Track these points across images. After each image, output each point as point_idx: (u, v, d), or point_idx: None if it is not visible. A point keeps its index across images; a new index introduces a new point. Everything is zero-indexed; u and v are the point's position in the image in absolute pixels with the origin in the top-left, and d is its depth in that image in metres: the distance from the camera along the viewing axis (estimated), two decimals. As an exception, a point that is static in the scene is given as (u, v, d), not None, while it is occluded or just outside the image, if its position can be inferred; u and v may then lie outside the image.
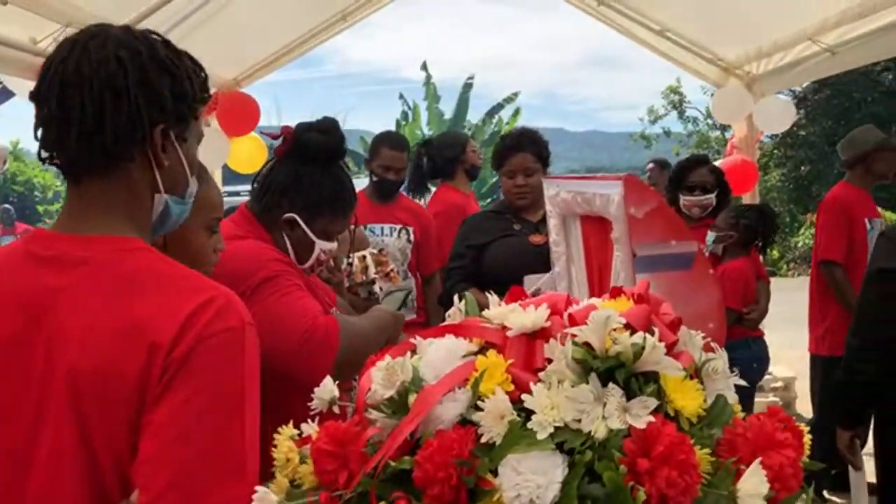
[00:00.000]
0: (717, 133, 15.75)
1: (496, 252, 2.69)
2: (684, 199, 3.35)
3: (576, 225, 2.10)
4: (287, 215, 1.65)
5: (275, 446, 0.97)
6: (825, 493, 3.43)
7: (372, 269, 2.90)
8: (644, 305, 0.90)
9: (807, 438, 0.92)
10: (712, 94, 6.18)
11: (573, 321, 0.89)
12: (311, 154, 1.67)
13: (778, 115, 4.80)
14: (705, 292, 1.39)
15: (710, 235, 3.13)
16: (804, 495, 0.85)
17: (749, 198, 5.18)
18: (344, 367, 1.34)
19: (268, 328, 1.50)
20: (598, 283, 1.91)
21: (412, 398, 0.88)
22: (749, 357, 3.13)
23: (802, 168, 15.85)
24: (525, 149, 2.70)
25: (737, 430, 0.84)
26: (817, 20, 4.02)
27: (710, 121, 15.23)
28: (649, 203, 1.36)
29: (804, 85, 15.92)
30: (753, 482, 0.77)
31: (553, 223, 2.26)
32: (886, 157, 3.21)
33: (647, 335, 0.83)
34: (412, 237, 3.42)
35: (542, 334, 0.90)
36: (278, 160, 1.71)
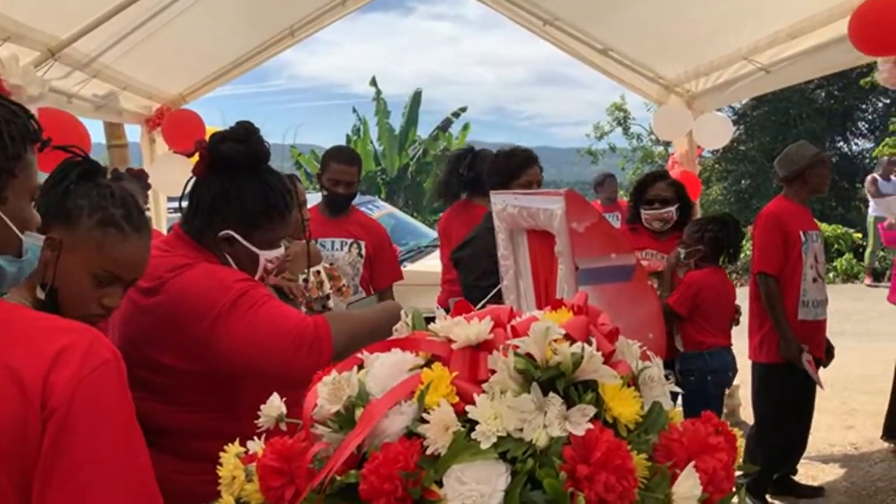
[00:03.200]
0: (661, 148, 16.17)
1: None
2: (645, 213, 3.46)
3: (523, 239, 2.14)
4: (223, 233, 1.60)
5: (221, 464, 0.96)
6: (767, 496, 3.54)
7: (327, 285, 2.90)
8: (583, 317, 0.93)
9: (740, 442, 0.96)
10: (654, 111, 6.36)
11: (515, 333, 0.91)
12: (231, 165, 1.60)
13: (716, 131, 4.98)
14: (644, 303, 1.44)
15: (681, 252, 3.22)
16: (736, 497, 0.89)
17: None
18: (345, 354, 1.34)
19: (256, 342, 1.49)
20: (545, 296, 1.95)
21: (359, 412, 0.89)
22: (724, 365, 3.23)
23: (743, 182, 16.40)
24: (536, 161, 2.79)
25: (672, 435, 0.87)
26: (751, 41, 4.21)
27: (653, 136, 15.65)
28: (590, 218, 1.40)
29: (743, 102, 16.52)
30: (688, 485, 0.80)
31: (501, 237, 2.29)
32: (820, 171, 3.36)
33: (586, 345, 0.85)
34: (364, 251, 3.42)
35: (485, 346, 0.92)
36: (199, 178, 1.64)
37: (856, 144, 17.58)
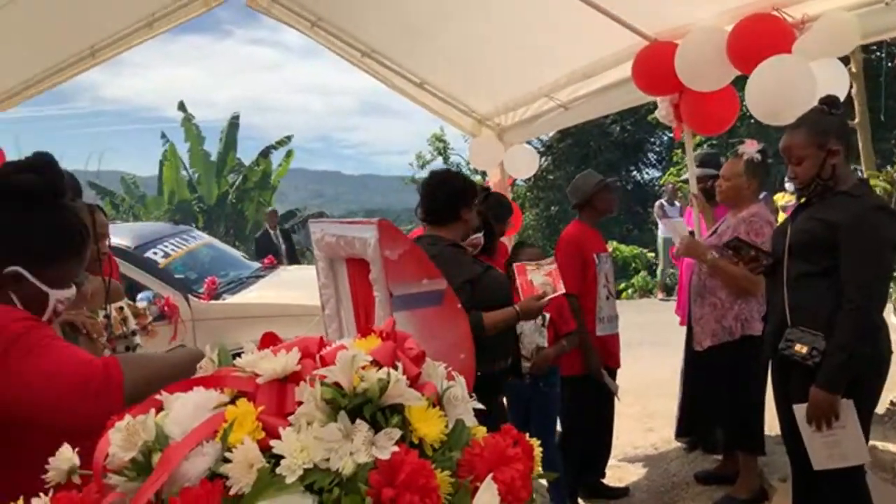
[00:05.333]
0: (479, 177, 16.99)
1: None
2: None
3: (342, 268, 2.15)
4: (8, 270, 1.46)
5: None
6: (580, 500, 3.78)
7: (132, 321, 2.70)
8: (390, 342, 0.96)
9: (537, 451, 1.03)
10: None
11: (324, 362, 0.92)
12: (25, 197, 1.48)
13: (524, 161, 5.32)
14: (455, 326, 1.50)
15: None
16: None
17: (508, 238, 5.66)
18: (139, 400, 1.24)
19: (36, 387, 1.33)
20: (365, 323, 1.97)
21: (157, 458, 0.84)
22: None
23: (552, 208, 17.66)
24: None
25: (474, 450, 0.92)
26: (551, 80, 4.59)
27: (471, 166, 16.41)
28: (402, 245, 1.44)
29: (550, 135, 17.86)
30: (486, 497, 0.85)
31: (321, 266, 2.28)
32: (605, 196, 3.70)
33: (392, 371, 0.88)
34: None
35: (293, 378, 0.91)
36: None
37: (647, 173, 19.62)
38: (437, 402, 0.96)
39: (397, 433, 0.85)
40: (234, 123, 16.01)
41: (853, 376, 2.16)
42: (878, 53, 13.33)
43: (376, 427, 0.86)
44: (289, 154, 16.49)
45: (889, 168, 4.44)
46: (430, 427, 0.89)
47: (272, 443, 0.82)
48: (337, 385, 0.87)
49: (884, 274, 2.21)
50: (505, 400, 3.00)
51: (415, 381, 0.93)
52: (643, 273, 12.54)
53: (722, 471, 3.73)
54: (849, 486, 2.26)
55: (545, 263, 2.72)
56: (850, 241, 2.18)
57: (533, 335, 3.16)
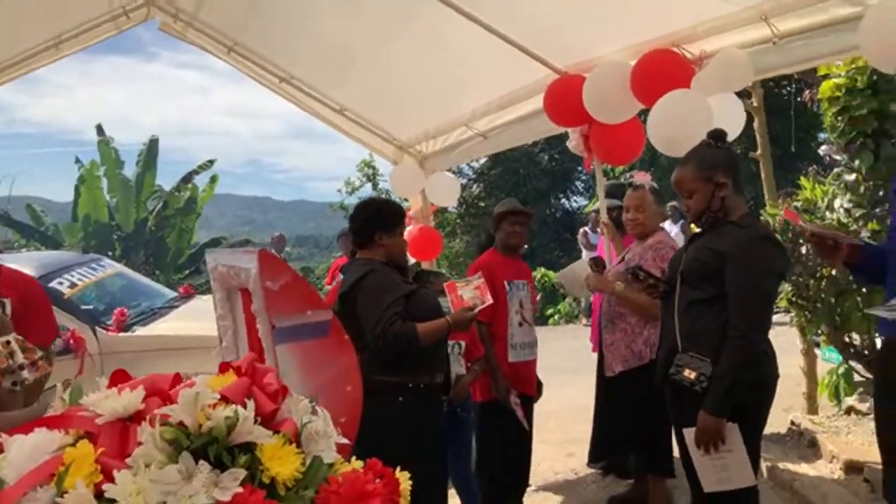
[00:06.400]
0: (408, 203, 17.02)
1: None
2: None
3: (238, 298, 2.10)
4: None
5: None
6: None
7: (19, 356, 2.55)
8: (245, 378, 0.93)
9: (405, 486, 1.02)
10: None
11: (171, 400, 0.88)
12: None
13: (446, 189, 5.35)
14: (342, 357, 1.48)
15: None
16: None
17: (432, 264, 5.68)
18: None
19: None
20: (260, 357, 1.91)
21: (-18, 505, 0.79)
22: None
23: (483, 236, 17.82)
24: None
25: (331, 487, 0.90)
26: (470, 109, 4.66)
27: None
28: (284, 276, 1.41)
29: (482, 162, 18.09)
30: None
31: (218, 297, 2.22)
32: (503, 227, 3.70)
33: (240, 408, 0.85)
34: (8, 310, 3.08)
35: (138, 417, 0.87)
36: None
37: (575, 201, 20.09)
38: (296, 438, 0.94)
39: (242, 473, 0.82)
40: (152, 146, 15.48)
41: (739, 401, 2.23)
42: (789, 88, 14.15)
43: (223, 467, 0.83)
44: (213, 179, 16.11)
45: (787, 199, 4.66)
46: (283, 465, 0.87)
47: (105, 487, 0.78)
48: (182, 424, 0.84)
49: (767, 302, 2.30)
50: None
51: (270, 418, 0.91)
52: (569, 299, 12.76)
53: (634, 494, 3.79)
54: (740, 507, 2.32)
55: (473, 279, 2.89)
56: (735, 270, 2.26)
57: (452, 365, 3.18)
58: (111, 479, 0.80)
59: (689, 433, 2.28)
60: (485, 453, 3.54)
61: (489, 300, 2.77)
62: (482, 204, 18.09)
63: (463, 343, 3.24)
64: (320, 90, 4.94)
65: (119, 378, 0.97)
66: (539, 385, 3.80)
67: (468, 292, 2.81)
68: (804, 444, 4.34)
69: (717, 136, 2.45)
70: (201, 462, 0.81)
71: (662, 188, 3.65)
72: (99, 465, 0.82)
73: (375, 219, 2.81)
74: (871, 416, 4.20)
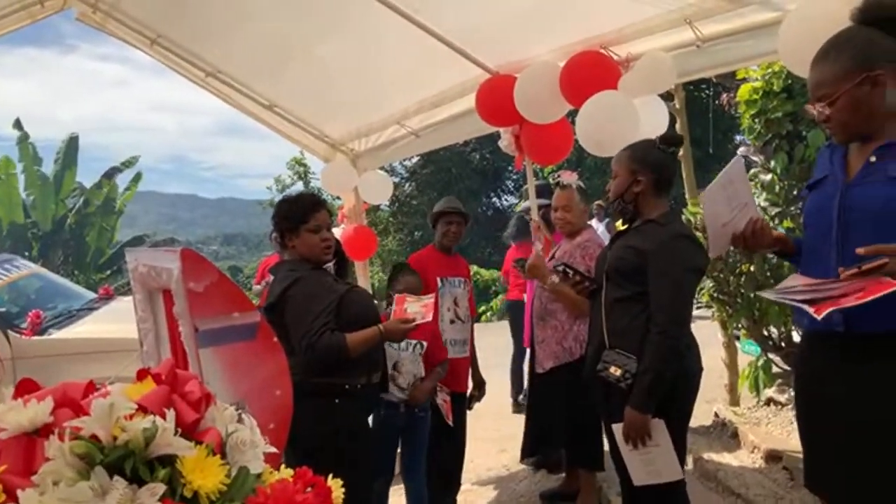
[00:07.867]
0: (341, 202, 16.86)
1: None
2: None
3: (160, 300, 2.01)
4: None
5: None
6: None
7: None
8: (164, 387, 0.88)
9: (337, 495, 0.99)
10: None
11: (83, 411, 0.82)
12: None
13: (378, 187, 5.30)
14: (271, 361, 1.43)
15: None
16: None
17: (365, 263, 5.62)
18: None
19: None
20: (183, 361, 1.84)
21: None
22: None
23: (416, 233, 17.83)
24: (324, 205, 2.75)
25: (259, 499, 0.86)
26: (402, 107, 4.62)
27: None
28: (209, 276, 1.36)
29: (414, 160, 18.07)
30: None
31: (138, 298, 2.13)
32: (445, 219, 3.76)
33: (159, 419, 0.81)
34: None
35: (45, 431, 0.81)
36: None
37: (506, 200, 20.33)
38: (220, 449, 0.90)
39: (161, 488, 0.77)
40: (72, 143, 14.79)
41: (663, 396, 2.29)
42: (707, 91, 14.71)
43: (141, 482, 0.78)
44: (137, 176, 15.50)
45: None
46: (206, 478, 0.83)
47: (7, 509, 0.72)
48: (95, 437, 0.79)
49: (686, 297, 2.37)
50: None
51: (192, 428, 0.86)
52: (502, 296, 12.90)
53: (565, 489, 3.85)
54: (668, 499, 2.38)
55: (425, 298, 2.87)
56: (655, 267, 2.32)
57: (411, 365, 3.16)
58: (15, 500, 0.74)
59: (618, 428, 2.32)
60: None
61: (429, 318, 2.73)
62: (414, 202, 18.10)
63: (425, 343, 3.21)
64: (250, 85, 4.80)
65: (26, 388, 0.90)
66: (481, 383, 3.84)
67: (414, 307, 2.79)
68: (727, 435, 4.51)
69: (666, 140, 2.53)
70: (116, 477, 0.76)
71: (589, 188, 3.73)
72: (1, 483, 0.76)
73: (280, 220, 2.69)
74: (790, 406, 4.42)
